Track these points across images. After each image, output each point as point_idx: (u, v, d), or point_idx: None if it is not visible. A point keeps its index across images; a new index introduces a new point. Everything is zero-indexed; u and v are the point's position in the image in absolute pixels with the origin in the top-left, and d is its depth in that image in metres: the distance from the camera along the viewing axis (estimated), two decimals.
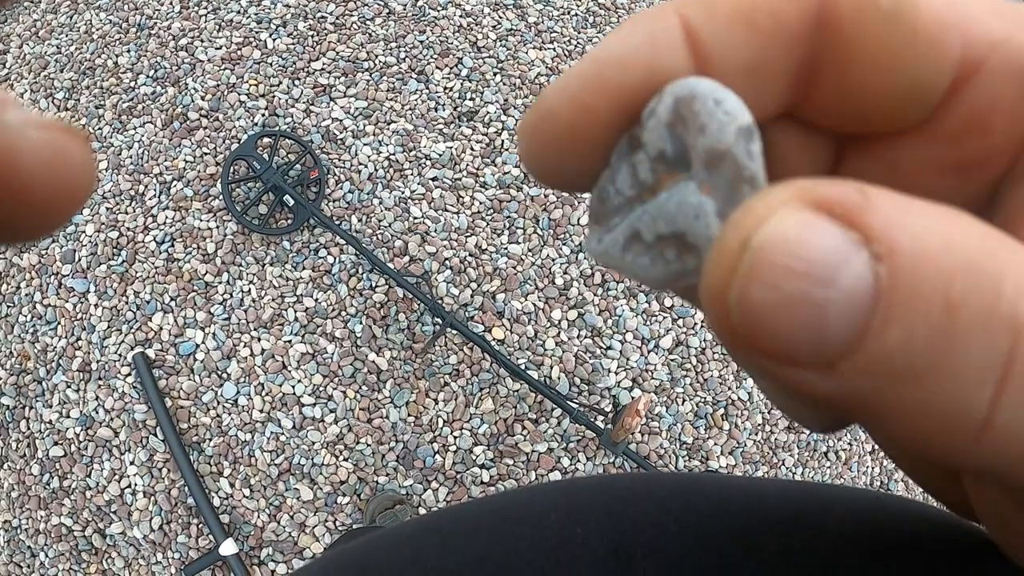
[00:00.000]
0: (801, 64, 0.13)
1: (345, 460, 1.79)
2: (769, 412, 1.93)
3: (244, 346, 1.88)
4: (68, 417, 1.86)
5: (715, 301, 0.10)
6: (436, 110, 2.20)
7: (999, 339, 0.09)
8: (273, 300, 1.91)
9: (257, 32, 2.33)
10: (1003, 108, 0.13)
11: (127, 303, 1.93)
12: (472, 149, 2.12)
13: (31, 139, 0.11)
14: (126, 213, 2.04)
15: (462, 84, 2.25)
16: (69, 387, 1.88)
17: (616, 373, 1.88)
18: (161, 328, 1.90)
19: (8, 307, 1.97)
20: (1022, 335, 0.09)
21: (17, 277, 2.00)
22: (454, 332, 1.81)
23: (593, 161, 0.14)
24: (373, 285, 1.91)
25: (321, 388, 1.84)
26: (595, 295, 1.94)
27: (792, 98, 0.14)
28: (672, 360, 1.92)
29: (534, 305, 1.91)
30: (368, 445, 1.80)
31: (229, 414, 1.83)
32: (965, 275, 0.09)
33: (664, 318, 1.95)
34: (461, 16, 2.44)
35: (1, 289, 2.00)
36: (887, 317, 0.09)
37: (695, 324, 1.96)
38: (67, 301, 1.95)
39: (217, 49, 2.30)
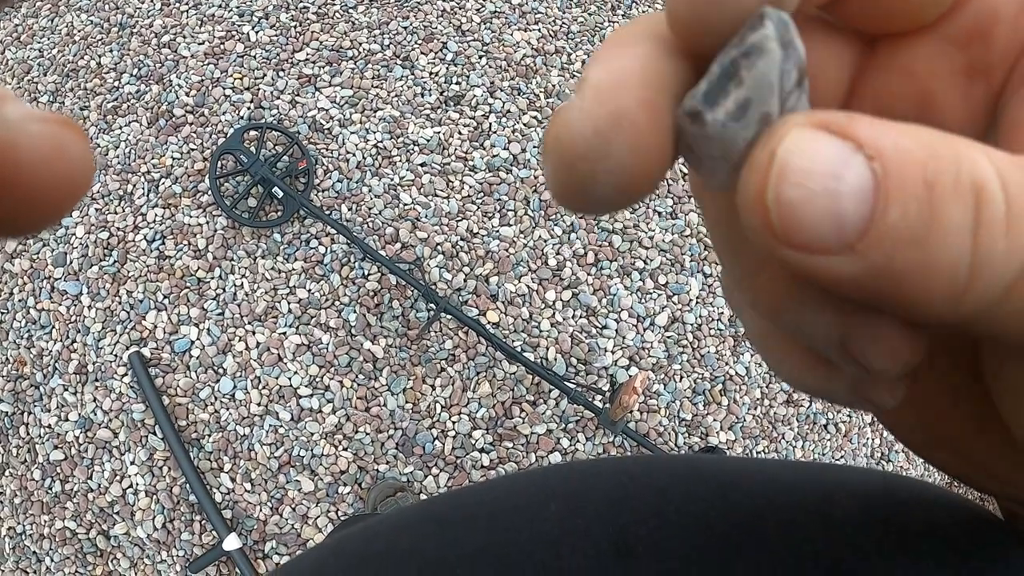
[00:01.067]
0: None
1: (345, 450, 1.81)
2: (768, 386, 1.94)
3: (239, 340, 1.89)
4: (67, 420, 1.88)
5: (756, 203, 0.12)
6: (422, 95, 2.20)
7: (966, 200, 0.11)
8: (266, 293, 1.92)
9: (239, 25, 2.33)
10: (1004, 19, 0.15)
11: (120, 303, 1.95)
12: (460, 133, 2.12)
13: (30, 133, 0.11)
14: (115, 213, 2.05)
15: (447, 69, 2.26)
16: (67, 390, 1.89)
17: (612, 352, 1.88)
18: (155, 326, 1.92)
19: (2, 313, 1.99)
20: (982, 193, 0.11)
21: (9, 283, 2.01)
22: (449, 317, 1.82)
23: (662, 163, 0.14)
24: (366, 273, 1.92)
25: (318, 379, 1.85)
26: (589, 275, 1.95)
27: None
28: (668, 337, 1.92)
29: (528, 287, 1.91)
30: (367, 434, 1.81)
31: (227, 409, 1.85)
32: (934, 161, 0.12)
33: (659, 295, 1.95)
34: (444, 0, 2.44)
35: None
36: (886, 200, 0.11)
37: (690, 300, 1.96)
38: (60, 304, 1.96)
39: (200, 44, 2.30)
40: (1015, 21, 0.16)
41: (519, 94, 2.21)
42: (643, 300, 1.94)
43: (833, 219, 0.12)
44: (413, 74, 2.25)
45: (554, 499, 0.29)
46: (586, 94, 0.13)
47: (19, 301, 1.99)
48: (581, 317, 1.90)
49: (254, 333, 1.89)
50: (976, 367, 0.18)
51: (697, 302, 1.96)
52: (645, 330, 1.92)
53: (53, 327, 1.95)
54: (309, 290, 1.91)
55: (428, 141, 2.10)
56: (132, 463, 1.84)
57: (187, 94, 2.20)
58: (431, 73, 2.25)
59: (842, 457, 1.97)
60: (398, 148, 2.09)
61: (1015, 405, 0.16)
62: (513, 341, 1.85)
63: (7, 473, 1.88)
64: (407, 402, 1.82)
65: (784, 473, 0.28)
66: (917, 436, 0.20)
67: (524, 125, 2.15)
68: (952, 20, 0.16)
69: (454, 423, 1.81)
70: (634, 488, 0.28)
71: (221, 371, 1.87)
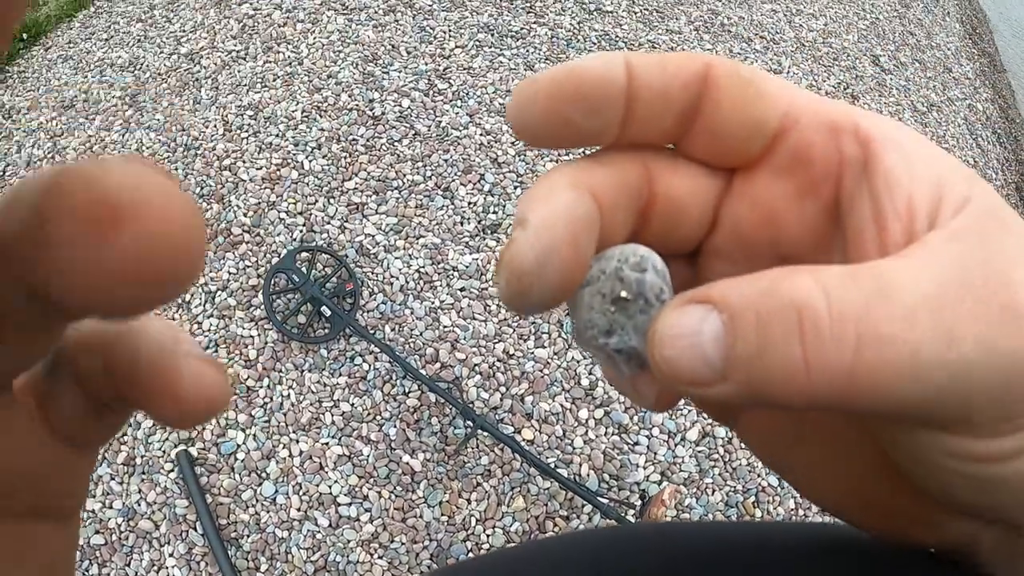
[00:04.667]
0: (688, 103, 0.20)
1: (380, 558, 1.96)
2: (802, 496, 2.10)
3: (283, 447, 2.07)
4: (111, 508, 2.03)
5: (654, 365, 0.18)
6: (462, 224, 2.46)
7: (788, 319, 0.16)
8: (311, 404, 2.11)
9: (294, 154, 2.63)
10: (817, 147, 0.20)
11: None
12: (497, 260, 2.37)
13: (191, 367, 0.16)
14: (174, 319, 2.27)
15: (485, 199, 2.53)
16: (113, 479, 2.06)
17: (644, 467, 2.06)
18: (204, 428, 2.10)
19: None
20: (803, 310, 0.16)
21: None
22: (485, 434, 2.01)
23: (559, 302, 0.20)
24: (407, 391, 2.12)
25: (357, 488, 2.02)
26: (620, 393, 2.14)
27: (680, 127, 0.20)
28: (700, 451, 2.10)
29: (562, 406, 2.11)
30: (402, 543, 1.96)
31: (267, 512, 2.00)
32: (764, 298, 0.16)
33: (689, 411, 2.15)
34: (481, 135, 2.76)
35: None
36: (732, 336, 0.16)
37: None
38: None
39: (258, 170, 2.59)
40: (825, 146, 0.20)
41: None
42: (673, 416, 2.13)
43: (701, 361, 0.17)
44: (453, 204, 2.52)
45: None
46: (529, 232, 0.19)
47: None
48: (613, 434, 2.09)
49: (298, 442, 2.08)
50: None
51: None
52: (676, 445, 2.09)
53: None
54: (352, 404, 2.11)
55: (467, 267, 2.35)
56: (171, 555, 1.98)
57: (245, 215, 2.47)
58: (470, 203, 2.52)
59: None
60: (439, 273, 2.34)
61: (916, 468, 0.19)
62: (547, 457, 2.03)
63: None
64: (443, 515, 1.99)
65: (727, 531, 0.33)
66: (848, 502, 0.24)
67: None
68: (776, 152, 0.21)
69: (488, 536, 1.97)
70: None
71: (264, 475, 2.04)
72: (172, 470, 2.06)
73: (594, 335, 0.20)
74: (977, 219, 0.17)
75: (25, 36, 3.64)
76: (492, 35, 3.28)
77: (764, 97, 0.20)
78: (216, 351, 2.21)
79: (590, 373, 2.18)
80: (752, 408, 0.24)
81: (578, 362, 2.20)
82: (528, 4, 3.52)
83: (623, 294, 0.20)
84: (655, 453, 2.08)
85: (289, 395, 2.13)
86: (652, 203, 0.21)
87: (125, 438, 2.10)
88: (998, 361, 0.16)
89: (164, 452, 2.08)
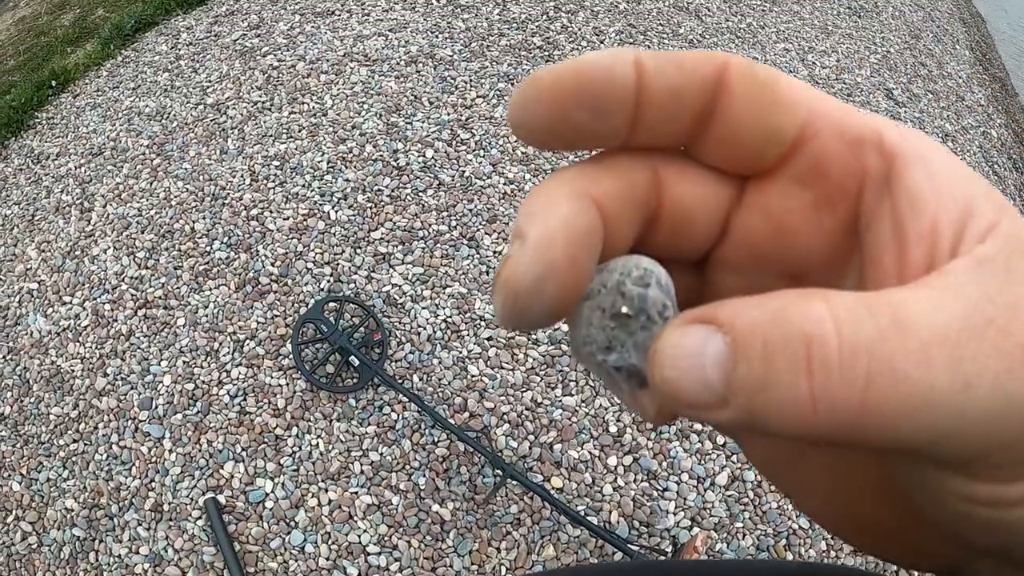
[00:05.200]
0: (704, 105, 0.19)
1: None
2: (833, 538, 2.10)
3: (312, 496, 2.10)
4: (137, 553, 2.05)
5: (654, 387, 0.17)
6: (488, 273, 2.51)
7: (795, 348, 0.15)
8: (340, 454, 2.14)
9: (321, 204, 2.70)
10: (837, 158, 0.19)
11: (200, 451, 2.17)
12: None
13: None
14: (201, 367, 2.31)
15: None
16: (140, 525, 2.09)
17: (674, 513, 2.08)
18: (232, 476, 2.13)
19: (85, 445, 2.22)
20: (812, 341, 0.15)
21: (95, 418, 2.26)
22: (515, 483, 2.04)
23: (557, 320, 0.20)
24: (436, 440, 2.15)
25: (386, 537, 2.04)
26: (648, 439, 2.18)
27: (694, 131, 0.20)
28: (729, 496, 2.12)
29: (590, 453, 2.14)
30: None
31: (296, 560, 2.03)
32: (772, 323, 0.16)
33: (718, 455, 2.17)
34: (505, 184, 2.82)
35: (80, 428, 2.26)
36: (735, 360, 0.16)
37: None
38: (143, 445, 2.20)
39: (285, 220, 2.65)
40: (846, 159, 0.19)
41: None
42: (703, 461, 2.16)
43: (702, 383, 0.16)
44: (478, 253, 2.57)
45: None
46: (527, 249, 0.18)
47: (103, 436, 2.23)
48: (643, 480, 2.12)
49: (327, 491, 2.10)
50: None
51: None
52: (706, 490, 2.12)
53: (133, 464, 2.17)
54: (381, 453, 2.14)
55: (494, 316, 2.39)
56: None
57: (272, 264, 2.52)
58: (495, 252, 2.57)
59: None
60: (466, 323, 2.38)
61: (923, 500, 0.19)
62: (577, 505, 2.05)
63: None
64: (473, 564, 2.01)
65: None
66: (848, 524, 0.23)
67: None
68: (793, 162, 0.20)
69: None
70: None
71: (293, 524, 2.07)
72: (200, 517, 2.09)
73: (592, 351, 0.20)
74: (1004, 248, 0.17)
75: (54, 83, 3.74)
76: (512, 85, 3.36)
77: (781, 104, 0.19)
78: (244, 400, 2.24)
79: (618, 420, 2.21)
80: (753, 434, 0.23)
81: (606, 409, 2.23)
82: (546, 53, 3.60)
83: (624, 310, 0.19)
84: (685, 499, 2.10)
85: (318, 444, 2.17)
86: (660, 209, 0.21)
87: (153, 484, 2.14)
88: (1015, 407, 0.15)
89: (192, 499, 2.11)
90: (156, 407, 2.27)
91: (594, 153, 0.21)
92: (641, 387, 0.20)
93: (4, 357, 2.52)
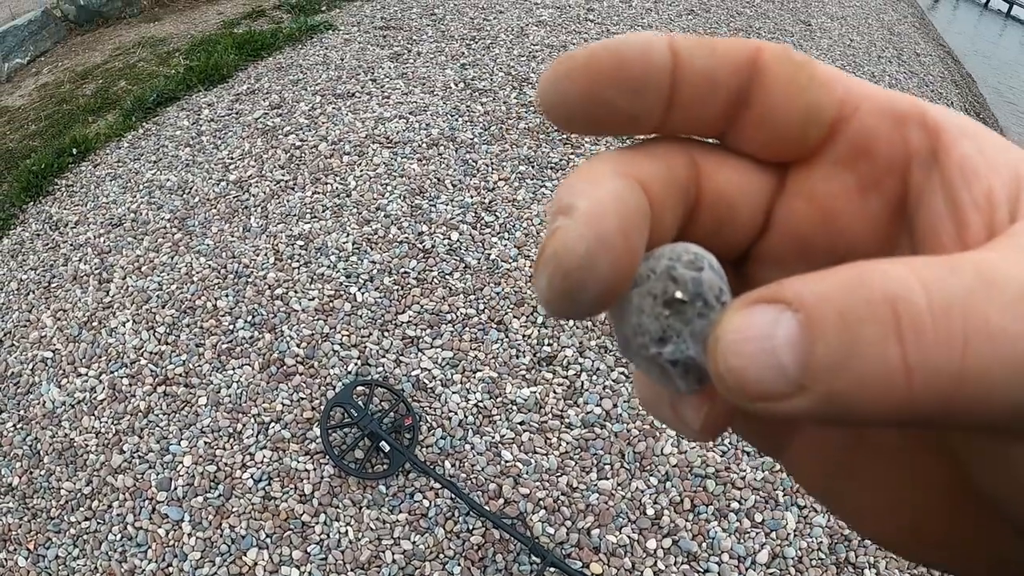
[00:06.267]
0: (737, 90, 0.19)
1: None
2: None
3: None
4: None
5: (717, 377, 0.16)
6: (517, 357, 2.50)
7: (881, 314, 0.14)
8: (370, 542, 2.09)
9: (347, 286, 2.69)
10: (880, 137, 0.19)
11: (222, 536, 2.12)
12: (555, 392, 2.40)
13: None
14: (224, 449, 2.27)
15: (539, 331, 2.58)
16: None
17: None
18: (256, 563, 2.07)
19: (99, 524, 2.16)
20: (898, 303, 0.14)
21: (110, 496, 2.20)
22: (554, 570, 1.99)
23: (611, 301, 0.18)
24: (470, 528, 2.10)
25: None
26: (687, 520, 2.14)
27: (728, 116, 0.20)
28: (771, 574, 2.08)
29: (629, 537, 2.10)
30: None
31: None
32: (846, 292, 0.14)
33: (757, 533, 2.14)
34: (531, 267, 2.82)
35: (93, 505, 2.20)
36: (811, 339, 0.14)
37: (788, 535, 2.14)
38: (160, 527, 2.14)
39: (310, 300, 2.64)
40: (890, 136, 0.19)
41: (607, 352, 2.52)
42: (742, 540, 2.13)
43: (775, 370, 0.14)
44: (507, 337, 2.56)
45: None
46: (579, 219, 0.17)
47: (117, 515, 2.17)
48: (683, 563, 2.07)
49: None
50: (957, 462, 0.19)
51: (795, 535, 2.13)
52: (747, 569, 2.09)
53: (149, 547, 2.11)
54: (414, 542, 2.09)
55: (525, 400, 2.37)
56: None
57: (298, 345, 2.50)
58: (524, 336, 2.57)
59: None
60: (497, 407, 2.36)
61: (1007, 492, 0.17)
62: None
63: None
64: None
65: None
66: (909, 539, 0.21)
67: (613, 381, 2.44)
68: (835, 144, 0.19)
69: None
70: None
71: None
72: None
73: (645, 343, 0.18)
74: None
75: (75, 151, 3.77)
76: (532, 167, 3.41)
77: (818, 82, 0.19)
78: (269, 484, 2.20)
79: (655, 502, 2.18)
80: (820, 428, 0.22)
81: (642, 492, 2.19)
82: (564, 137, 3.67)
83: (678, 295, 0.18)
84: None
85: (347, 532, 2.11)
86: (700, 200, 0.20)
87: (171, 569, 2.08)
88: None
89: None
90: (175, 488, 2.21)
91: (627, 142, 0.20)
92: (700, 383, 0.18)
93: (15, 426, 2.47)
